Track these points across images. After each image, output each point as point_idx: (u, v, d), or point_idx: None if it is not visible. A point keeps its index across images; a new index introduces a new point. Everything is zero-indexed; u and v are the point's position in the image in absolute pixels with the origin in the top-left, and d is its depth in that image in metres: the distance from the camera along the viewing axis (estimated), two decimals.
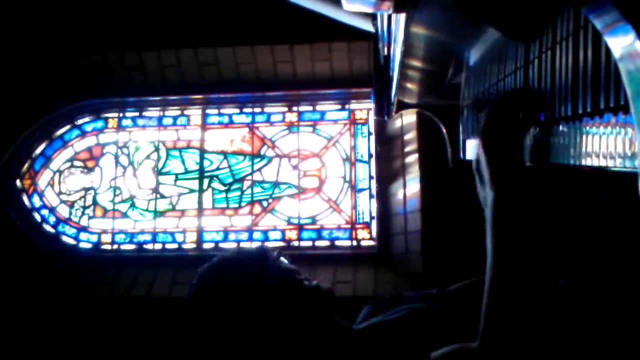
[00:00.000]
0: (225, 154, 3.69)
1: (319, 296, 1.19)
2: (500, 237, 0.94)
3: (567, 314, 1.19)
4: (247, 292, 1.14)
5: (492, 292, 0.94)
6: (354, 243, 3.47)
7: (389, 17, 1.36)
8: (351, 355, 1.15)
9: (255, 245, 3.48)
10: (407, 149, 3.32)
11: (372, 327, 1.21)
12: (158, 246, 3.62)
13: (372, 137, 3.56)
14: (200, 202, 3.65)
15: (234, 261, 1.22)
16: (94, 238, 3.68)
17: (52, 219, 3.73)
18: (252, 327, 1.13)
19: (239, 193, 3.63)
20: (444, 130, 1.69)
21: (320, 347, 1.16)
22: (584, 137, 0.67)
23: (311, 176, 3.61)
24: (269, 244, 3.51)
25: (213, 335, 1.16)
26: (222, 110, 3.75)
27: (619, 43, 0.49)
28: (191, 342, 1.17)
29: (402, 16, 1.08)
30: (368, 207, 3.50)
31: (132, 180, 3.74)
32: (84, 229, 3.70)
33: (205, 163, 3.69)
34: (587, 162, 0.66)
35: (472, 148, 1.23)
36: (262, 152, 3.67)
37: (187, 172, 3.71)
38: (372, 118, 3.56)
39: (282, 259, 1.22)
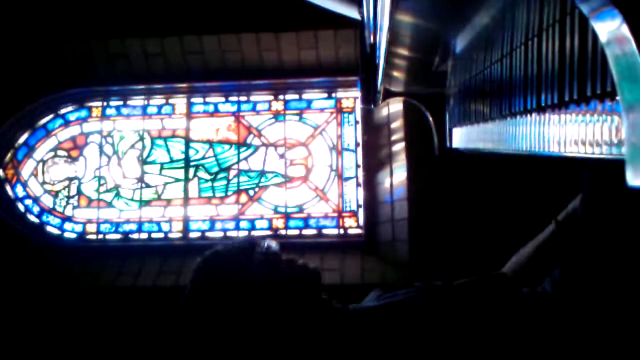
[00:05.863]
0: (210, 143, 3.67)
1: (306, 275, 1.23)
2: None
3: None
4: (239, 279, 1.19)
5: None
6: (341, 231, 3.48)
7: (375, 4, 1.35)
8: (342, 332, 1.18)
9: (243, 235, 3.50)
10: (393, 138, 3.32)
11: (365, 309, 1.24)
12: (144, 235, 3.60)
13: (359, 126, 3.55)
14: (186, 191, 3.63)
15: (226, 252, 1.26)
16: (78, 228, 3.65)
17: (35, 209, 3.69)
18: (248, 311, 1.17)
19: (225, 182, 3.62)
20: (431, 119, 1.69)
21: (313, 326, 1.18)
22: (570, 125, 0.67)
23: (298, 165, 3.60)
24: (255, 233, 3.51)
25: (210, 323, 1.19)
26: (207, 99, 3.72)
27: (605, 28, 0.49)
28: (186, 332, 1.20)
29: (388, 3, 1.07)
30: (355, 195, 3.50)
31: (117, 169, 3.70)
32: (69, 219, 3.67)
33: (191, 152, 3.67)
34: (572, 150, 0.66)
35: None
36: (248, 141, 3.65)
37: (172, 161, 3.68)
38: (358, 106, 3.56)
39: (272, 244, 1.27)
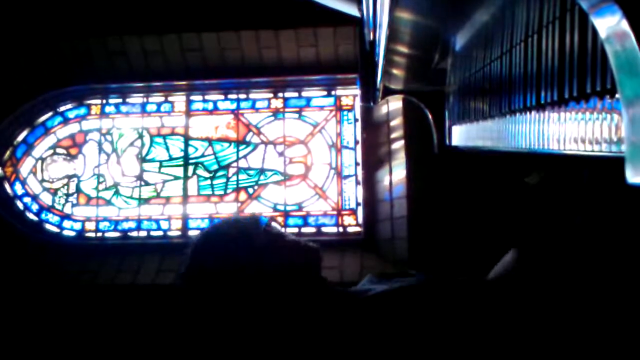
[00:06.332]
0: (210, 141, 3.66)
1: (307, 252, 1.28)
2: None
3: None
4: (237, 259, 1.19)
5: None
6: (340, 229, 3.47)
7: (374, 1, 1.34)
8: (346, 313, 1.19)
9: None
10: (393, 136, 3.31)
11: (374, 294, 1.25)
12: (143, 233, 3.60)
13: (358, 124, 3.55)
14: (185, 189, 3.62)
15: (226, 229, 1.27)
16: (77, 226, 3.65)
17: (34, 207, 3.69)
18: (247, 291, 1.17)
19: (224, 180, 3.61)
20: (430, 117, 1.69)
21: (315, 304, 1.18)
22: (569, 122, 0.66)
23: (297, 163, 3.60)
24: None
25: (207, 302, 1.20)
26: (206, 97, 3.71)
27: (605, 23, 0.49)
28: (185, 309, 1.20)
29: (387, 0, 1.06)
30: (354, 193, 3.50)
31: (116, 167, 3.70)
32: (68, 217, 3.66)
33: (190, 150, 3.66)
34: (572, 148, 0.66)
35: None
36: (247, 139, 3.65)
37: (171, 159, 3.68)
38: (358, 104, 3.55)
39: (273, 224, 1.30)
